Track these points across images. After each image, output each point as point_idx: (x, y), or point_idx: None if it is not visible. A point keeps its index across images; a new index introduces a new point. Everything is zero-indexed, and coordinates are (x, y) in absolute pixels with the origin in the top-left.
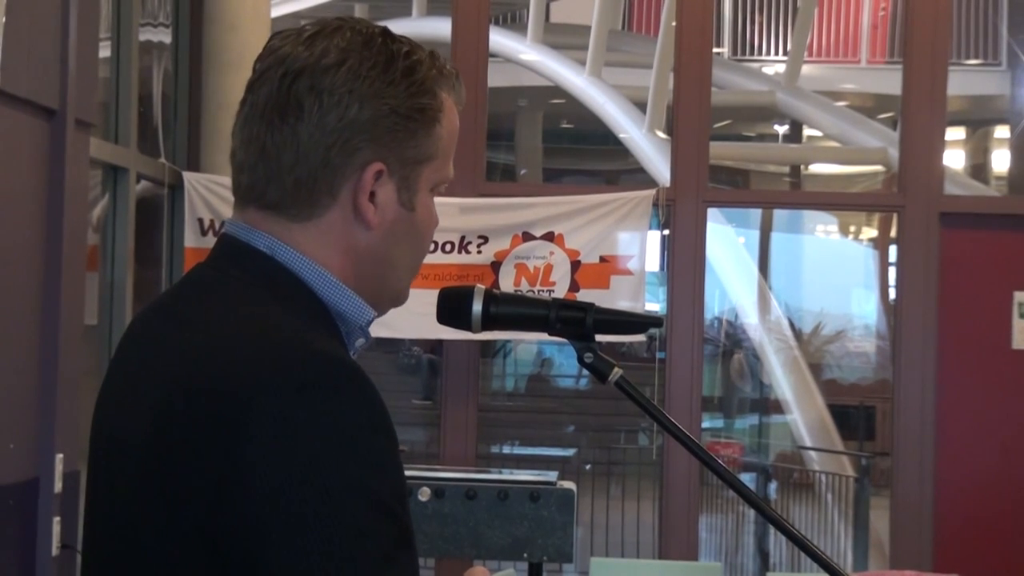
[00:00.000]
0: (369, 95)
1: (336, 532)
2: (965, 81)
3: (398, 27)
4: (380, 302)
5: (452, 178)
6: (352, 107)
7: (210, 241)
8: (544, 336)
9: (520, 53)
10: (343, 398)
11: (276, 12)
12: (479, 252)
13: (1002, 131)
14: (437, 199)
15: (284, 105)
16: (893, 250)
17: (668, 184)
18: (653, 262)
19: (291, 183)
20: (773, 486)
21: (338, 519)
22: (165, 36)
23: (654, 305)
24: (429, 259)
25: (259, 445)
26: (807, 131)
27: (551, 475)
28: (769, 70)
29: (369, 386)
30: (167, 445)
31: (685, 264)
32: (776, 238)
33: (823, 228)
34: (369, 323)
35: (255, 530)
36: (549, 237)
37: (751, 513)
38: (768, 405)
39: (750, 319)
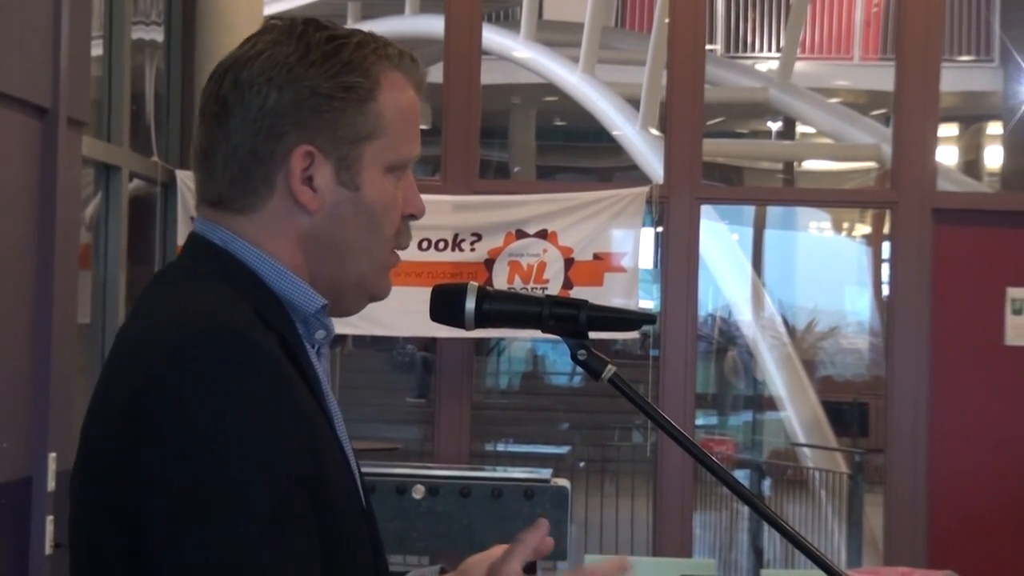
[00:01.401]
0: (288, 80)
1: (200, 495)
2: (958, 77)
3: (391, 25)
4: (344, 290)
5: (414, 156)
6: (272, 94)
7: None
8: (538, 333)
9: (513, 51)
10: (220, 365)
11: (269, 10)
12: (472, 250)
13: (995, 127)
14: (431, 196)
15: (214, 105)
16: (886, 246)
17: (661, 181)
18: (646, 259)
19: (228, 178)
20: (767, 483)
21: (200, 483)
22: (158, 34)
23: (648, 302)
24: (422, 257)
25: (144, 414)
26: (800, 128)
27: (545, 472)
28: (762, 67)
29: (257, 353)
30: (91, 433)
31: (678, 261)
32: (769, 235)
33: (816, 225)
34: (319, 311)
35: (143, 497)
36: (543, 234)
37: (745, 510)
38: (762, 402)
39: (744, 316)
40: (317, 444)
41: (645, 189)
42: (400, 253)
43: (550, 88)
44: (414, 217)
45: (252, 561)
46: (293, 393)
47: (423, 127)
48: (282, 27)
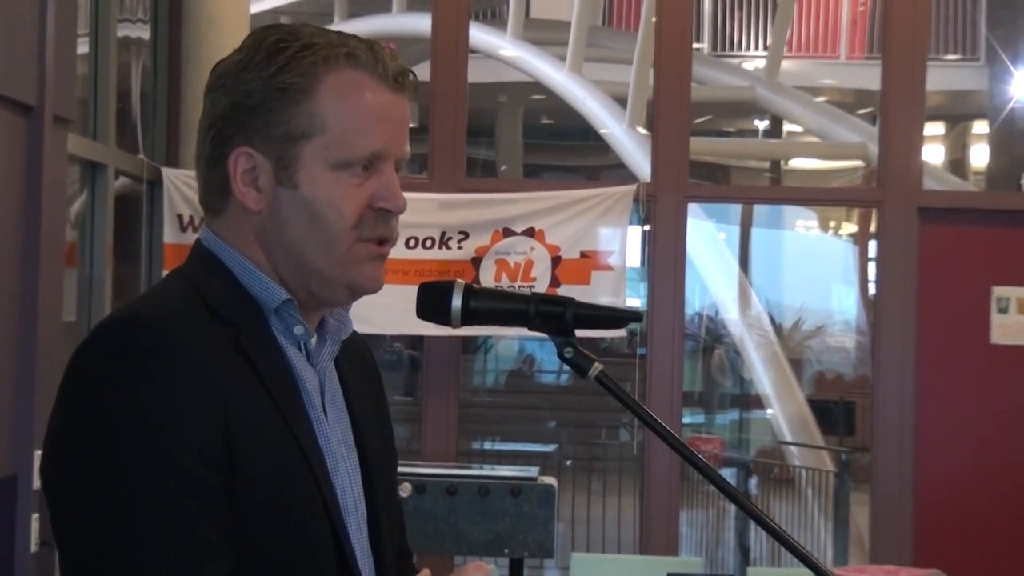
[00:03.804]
0: (231, 85)
1: (83, 484)
2: (944, 76)
3: (377, 23)
4: (308, 285)
5: (370, 152)
6: (220, 100)
7: (189, 237)
8: (525, 331)
9: (500, 49)
10: (109, 356)
11: (255, 8)
12: (460, 248)
13: (980, 126)
14: (418, 195)
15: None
16: (872, 245)
17: (648, 180)
18: (633, 257)
19: (201, 183)
20: (753, 481)
21: (86, 472)
22: (144, 32)
23: (635, 300)
24: (409, 255)
25: (54, 410)
26: (787, 126)
27: (532, 471)
28: (749, 66)
29: (151, 339)
30: None
31: (665, 260)
32: (756, 233)
33: (803, 223)
34: (285, 305)
35: (46, 488)
36: (530, 233)
37: (732, 508)
38: (748, 400)
39: (730, 314)
40: (233, 430)
41: (632, 187)
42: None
43: (537, 86)
44: (389, 212)
45: (134, 547)
46: (195, 377)
47: (410, 125)
48: (250, 34)
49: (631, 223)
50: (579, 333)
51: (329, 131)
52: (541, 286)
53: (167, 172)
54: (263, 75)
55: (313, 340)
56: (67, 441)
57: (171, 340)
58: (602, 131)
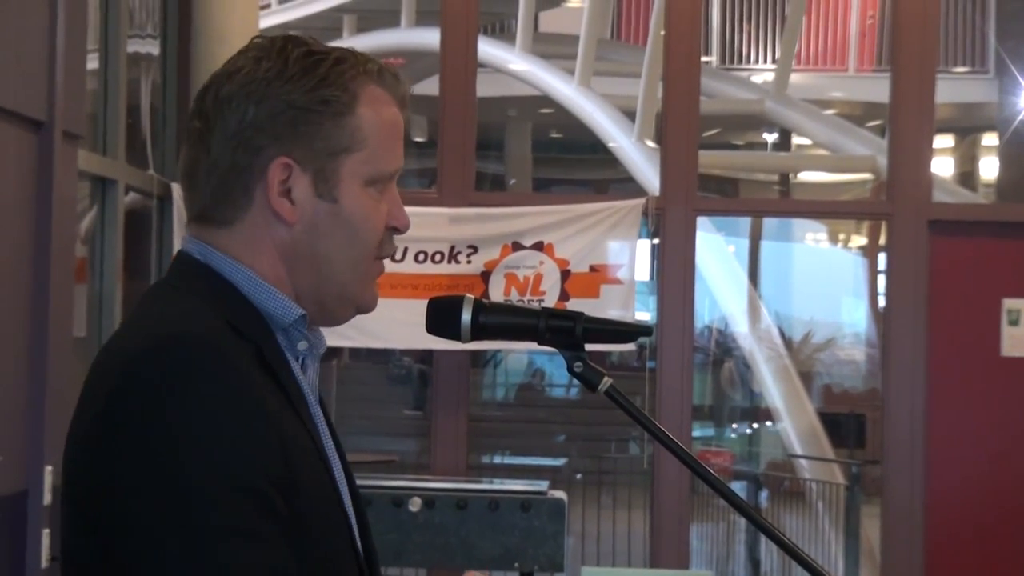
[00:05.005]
0: (265, 94)
1: (158, 505)
2: (953, 89)
3: (386, 37)
4: (326, 301)
5: (394, 170)
6: (250, 108)
7: None
8: (534, 346)
9: (509, 63)
10: (177, 372)
11: (265, 23)
12: (469, 262)
13: (990, 139)
14: (427, 209)
15: (197, 122)
16: (882, 258)
17: (657, 193)
18: (643, 271)
19: (209, 193)
20: (764, 494)
21: (158, 494)
22: (153, 47)
23: (644, 314)
24: (419, 269)
25: (107, 429)
26: (796, 139)
27: (542, 485)
28: (758, 79)
29: (216, 358)
30: (68, 451)
31: (675, 273)
32: (766, 246)
33: (813, 236)
34: (298, 321)
35: (110, 509)
36: (539, 247)
37: (742, 522)
38: (758, 413)
39: (740, 328)
40: (287, 450)
41: (641, 201)
42: (397, 266)
43: (546, 100)
44: (397, 231)
45: (213, 568)
46: (256, 398)
47: (419, 139)
48: (264, 44)
49: (640, 236)
50: (589, 347)
51: (368, 147)
52: (550, 300)
53: (177, 187)
54: (304, 86)
55: None
56: (129, 467)
57: (226, 360)
58: (611, 145)
